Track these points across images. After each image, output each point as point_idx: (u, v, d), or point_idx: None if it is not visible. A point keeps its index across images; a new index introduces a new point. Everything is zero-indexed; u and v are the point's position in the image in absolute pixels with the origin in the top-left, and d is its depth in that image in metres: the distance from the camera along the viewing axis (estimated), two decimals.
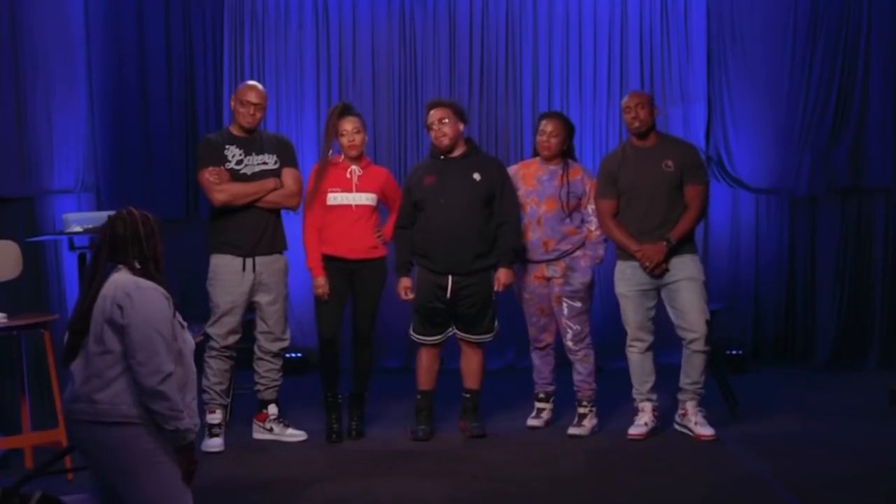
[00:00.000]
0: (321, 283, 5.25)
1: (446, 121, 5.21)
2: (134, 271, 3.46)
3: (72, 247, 4.49)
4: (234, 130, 5.25)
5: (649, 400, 5.32)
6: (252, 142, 5.22)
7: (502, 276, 5.24)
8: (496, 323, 5.39)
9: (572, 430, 5.38)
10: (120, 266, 3.47)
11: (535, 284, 5.43)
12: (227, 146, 5.18)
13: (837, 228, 7.14)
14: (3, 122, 5.33)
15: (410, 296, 5.27)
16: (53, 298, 5.71)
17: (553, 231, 5.36)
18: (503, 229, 5.23)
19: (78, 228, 4.50)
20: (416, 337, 5.39)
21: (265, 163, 5.21)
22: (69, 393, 3.48)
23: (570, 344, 5.42)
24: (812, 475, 4.57)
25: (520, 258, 5.40)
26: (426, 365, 5.39)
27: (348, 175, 5.28)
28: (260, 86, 5.29)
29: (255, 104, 5.17)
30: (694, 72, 7.26)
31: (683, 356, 5.28)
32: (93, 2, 6.36)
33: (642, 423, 5.30)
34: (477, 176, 5.21)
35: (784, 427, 5.47)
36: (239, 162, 5.17)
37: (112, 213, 3.57)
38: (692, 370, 5.25)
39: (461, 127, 5.27)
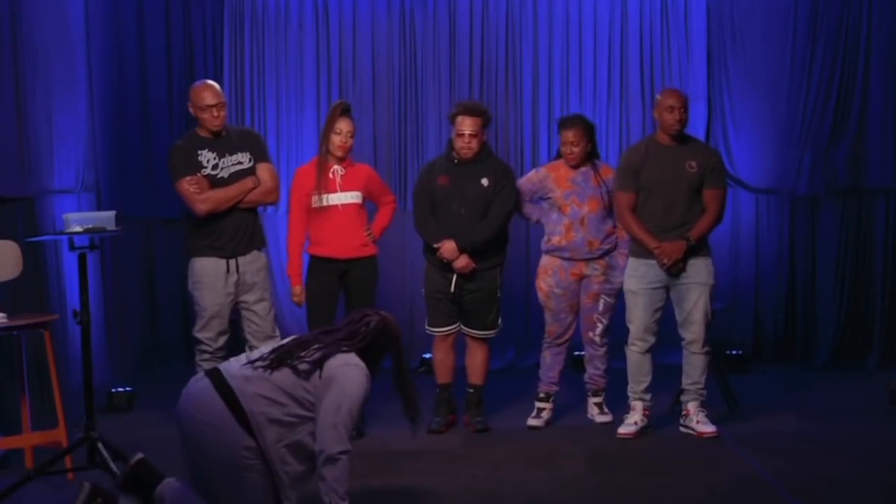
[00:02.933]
0: (297, 291, 5.35)
1: (476, 135, 5.31)
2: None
3: (72, 247, 4.47)
4: (202, 133, 5.10)
5: (641, 399, 5.35)
6: (222, 142, 5.10)
7: (451, 254, 5.29)
8: (500, 320, 5.52)
9: (600, 419, 5.57)
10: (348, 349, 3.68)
11: (570, 280, 5.47)
12: (199, 151, 5.05)
13: (837, 228, 7.13)
14: (3, 122, 5.33)
15: (456, 254, 5.30)
16: (53, 298, 5.71)
17: (597, 231, 5.44)
18: (483, 221, 5.33)
19: (78, 228, 4.48)
20: (429, 330, 5.57)
21: (240, 162, 5.12)
22: (235, 368, 3.60)
23: (596, 339, 5.54)
24: (812, 475, 4.57)
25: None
26: (440, 358, 5.55)
27: (331, 175, 5.28)
28: (214, 84, 5.12)
29: (214, 105, 5.02)
30: (694, 72, 7.26)
31: (684, 356, 5.32)
32: (93, 2, 6.35)
33: (632, 422, 5.32)
34: (485, 181, 5.35)
35: (784, 427, 5.47)
36: (214, 166, 5.05)
37: (376, 316, 3.81)
38: (692, 370, 5.29)
39: (484, 136, 5.40)
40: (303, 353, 3.60)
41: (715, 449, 5.06)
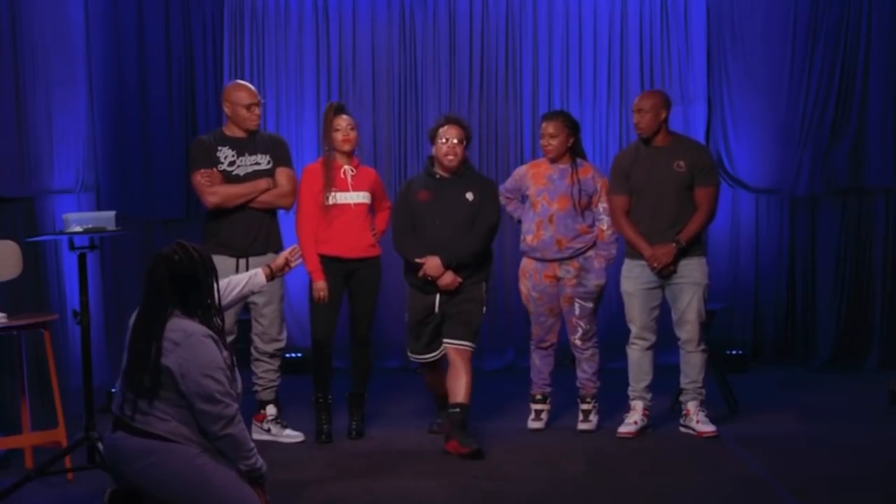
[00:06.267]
0: (321, 286, 5.23)
1: (461, 142, 5.18)
2: (187, 315, 3.49)
3: (72, 247, 4.48)
4: (228, 131, 5.27)
5: (642, 398, 5.35)
6: (245, 142, 5.23)
7: (436, 270, 5.08)
8: (477, 337, 5.26)
9: (582, 426, 5.43)
10: (171, 310, 3.48)
11: (545, 283, 5.43)
12: (219, 147, 5.20)
13: (837, 228, 7.14)
14: (3, 122, 5.32)
15: (441, 270, 5.07)
16: (53, 298, 5.70)
17: (566, 229, 5.37)
18: (467, 235, 5.14)
19: (78, 228, 4.48)
20: (413, 357, 5.36)
21: (258, 163, 5.22)
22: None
23: (578, 342, 5.46)
24: (812, 475, 4.57)
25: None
26: (431, 381, 5.44)
27: (343, 174, 5.29)
28: (249, 83, 5.35)
29: (255, 103, 5.21)
30: (694, 72, 7.26)
31: (681, 356, 5.34)
32: (93, 2, 6.35)
33: (632, 421, 5.33)
34: (470, 196, 5.17)
35: (784, 427, 5.47)
36: (231, 163, 5.19)
37: (165, 250, 3.54)
38: (690, 369, 5.30)
39: (466, 152, 5.25)
40: (142, 376, 3.45)
41: (715, 449, 5.06)
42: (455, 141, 5.15)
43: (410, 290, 5.28)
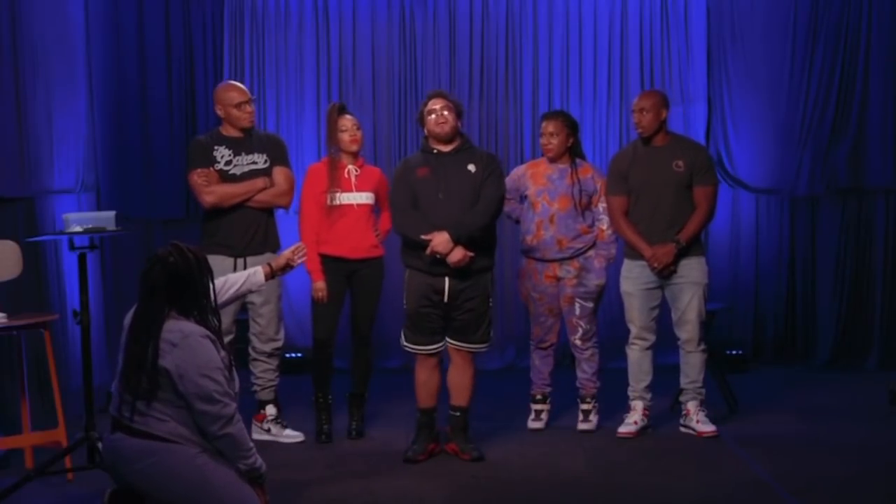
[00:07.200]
0: (321, 286, 5.22)
1: (447, 112, 4.89)
2: (183, 316, 3.49)
3: (72, 247, 4.48)
4: (224, 131, 5.26)
5: (642, 399, 5.35)
6: (242, 142, 5.23)
7: (444, 246, 4.74)
8: (491, 332, 5.02)
9: (582, 426, 5.43)
10: (168, 311, 3.47)
11: (545, 284, 5.43)
12: (215, 147, 5.20)
13: (837, 228, 7.15)
14: (3, 122, 5.32)
15: (450, 246, 4.74)
16: (53, 298, 5.71)
17: (567, 229, 5.37)
18: (474, 208, 4.85)
19: (78, 228, 4.48)
20: (410, 347, 4.98)
21: (255, 162, 5.22)
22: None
23: (578, 342, 5.46)
24: (812, 475, 4.57)
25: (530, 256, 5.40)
26: (424, 380, 4.98)
27: (347, 175, 5.28)
28: (237, 83, 5.36)
29: (246, 101, 5.20)
30: (694, 72, 7.26)
31: (681, 356, 5.34)
32: (93, 2, 6.35)
33: (632, 421, 5.33)
34: (472, 167, 4.89)
35: (784, 427, 5.47)
36: (228, 163, 5.19)
37: (160, 251, 3.54)
38: (690, 369, 5.30)
39: (459, 123, 4.99)
40: (140, 378, 3.43)
41: (715, 449, 5.06)
42: (445, 112, 4.89)
43: (410, 273, 4.93)
